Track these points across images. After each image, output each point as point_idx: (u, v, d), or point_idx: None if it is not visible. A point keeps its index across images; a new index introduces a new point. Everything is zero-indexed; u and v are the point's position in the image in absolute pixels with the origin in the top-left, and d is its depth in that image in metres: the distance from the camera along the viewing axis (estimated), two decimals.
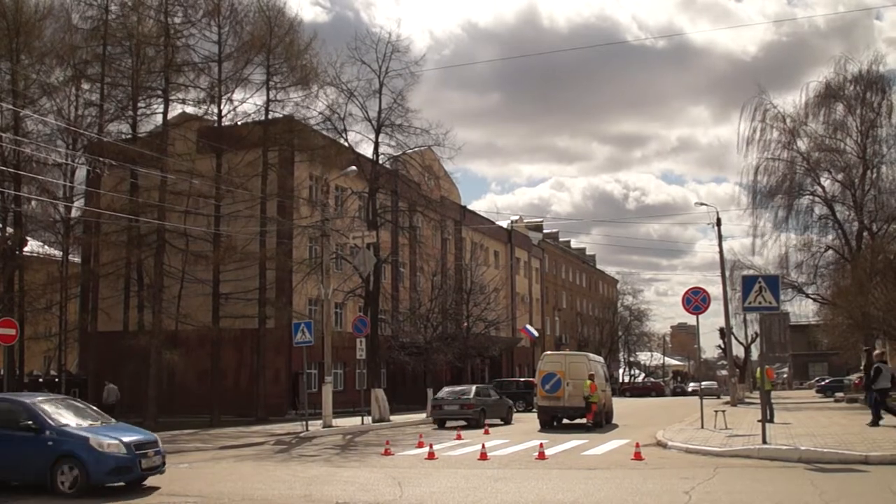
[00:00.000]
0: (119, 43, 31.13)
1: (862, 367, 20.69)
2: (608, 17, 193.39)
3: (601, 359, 30.76)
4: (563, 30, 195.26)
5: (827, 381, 57.59)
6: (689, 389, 61.97)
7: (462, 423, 26.36)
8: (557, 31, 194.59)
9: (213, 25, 31.45)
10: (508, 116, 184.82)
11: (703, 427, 21.01)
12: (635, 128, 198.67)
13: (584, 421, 23.95)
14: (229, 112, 32.57)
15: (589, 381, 23.78)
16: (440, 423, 27.14)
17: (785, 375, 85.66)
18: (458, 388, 28.80)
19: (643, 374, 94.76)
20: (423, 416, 32.27)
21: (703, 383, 55.06)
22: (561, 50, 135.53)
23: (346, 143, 32.58)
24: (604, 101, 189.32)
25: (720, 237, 42.47)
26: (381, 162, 32.66)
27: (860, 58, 42.76)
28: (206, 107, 32.37)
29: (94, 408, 14.35)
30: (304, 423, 24.86)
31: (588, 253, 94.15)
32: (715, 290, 66.25)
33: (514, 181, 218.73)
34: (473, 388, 28.47)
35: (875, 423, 19.27)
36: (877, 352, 21.65)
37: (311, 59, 32.82)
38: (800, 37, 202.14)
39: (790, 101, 68.52)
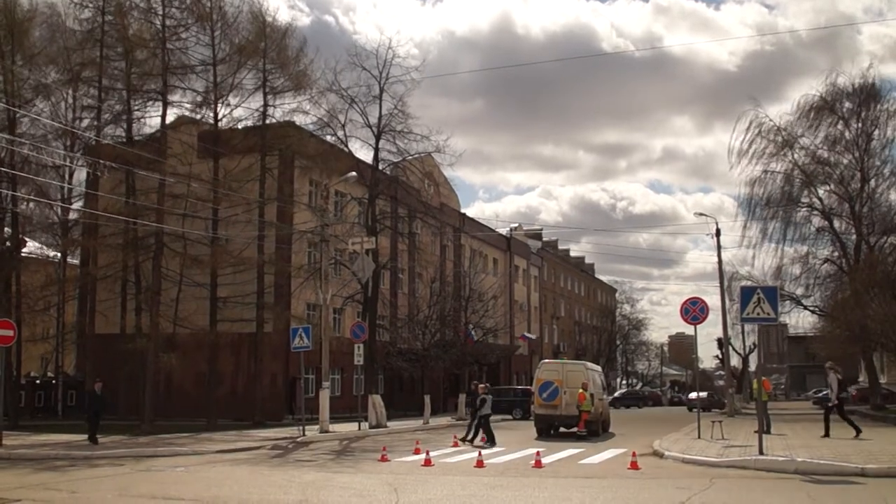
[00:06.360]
0: (114, 46, 31.18)
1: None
2: (585, 24, 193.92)
3: (599, 368, 30.75)
4: (541, 38, 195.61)
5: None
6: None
7: None
8: (536, 39, 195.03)
9: (206, 29, 31.49)
10: (493, 124, 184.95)
11: (699, 437, 21.01)
12: (619, 137, 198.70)
13: (577, 430, 23.90)
14: (225, 116, 32.60)
15: (580, 390, 23.75)
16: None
17: (782, 386, 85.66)
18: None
19: (640, 384, 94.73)
20: (419, 422, 32.23)
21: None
22: (544, 61, 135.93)
23: (345, 149, 32.59)
24: (587, 110, 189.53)
25: (719, 248, 42.38)
26: (380, 168, 32.67)
27: (851, 70, 43.00)
28: (202, 111, 32.42)
29: None
30: (300, 427, 24.79)
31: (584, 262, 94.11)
32: (710, 300, 65.98)
33: (502, 189, 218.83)
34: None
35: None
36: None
37: (305, 65, 32.87)
38: (782, 47, 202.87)
39: (775, 112, 68.52)
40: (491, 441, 21.59)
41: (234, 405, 33.35)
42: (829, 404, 21.68)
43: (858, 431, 20.29)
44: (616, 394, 62.50)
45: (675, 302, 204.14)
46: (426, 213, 37.85)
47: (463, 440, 21.80)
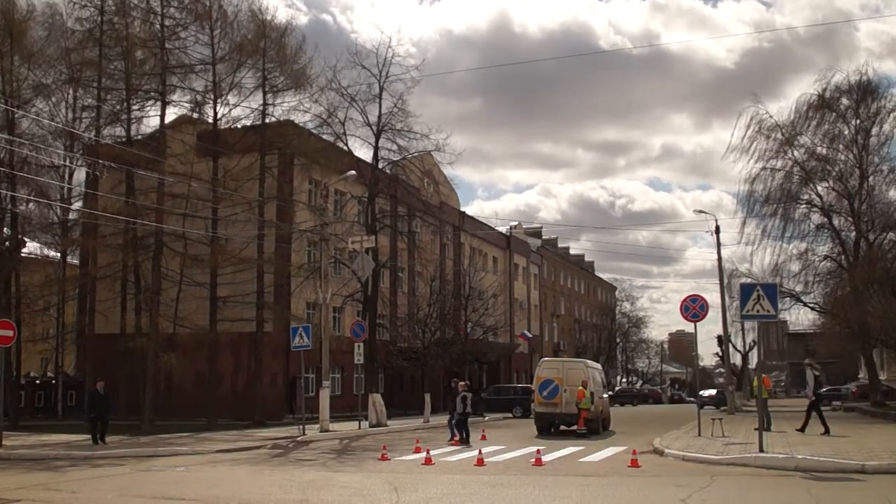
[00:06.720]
0: (113, 46, 31.16)
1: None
2: (583, 22, 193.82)
3: (599, 366, 30.78)
4: (539, 36, 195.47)
5: (824, 389, 57.45)
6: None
7: None
8: (534, 37, 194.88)
9: (205, 28, 31.46)
10: (491, 122, 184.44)
11: (699, 435, 21.01)
12: (618, 135, 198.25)
13: (577, 428, 23.89)
14: (224, 116, 32.57)
15: (579, 387, 23.75)
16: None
17: (782, 383, 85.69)
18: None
19: (640, 382, 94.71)
20: (420, 421, 32.24)
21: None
22: (542, 59, 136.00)
23: (345, 148, 32.58)
24: (585, 108, 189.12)
25: (719, 245, 42.27)
26: (380, 167, 32.66)
27: (848, 67, 43.00)
28: (202, 110, 32.36)
29: None
30: (301, 427, 24.80)
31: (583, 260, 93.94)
32: (710, 297, 65.86)
33: (501, 187, 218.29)
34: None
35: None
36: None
37: (304, 63, 32.83)
38: (780, 44, 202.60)
39: (774, 109, 68.18)
40: (455, 438, 21.77)
41: (234, 405, 33.34)
42: (811, 400, 21.90)
43: (803, 430, 20.76)
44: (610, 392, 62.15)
45: (674, 299, 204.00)
46: (426, 211, 37.83)
47: (462, 442, 21.80)
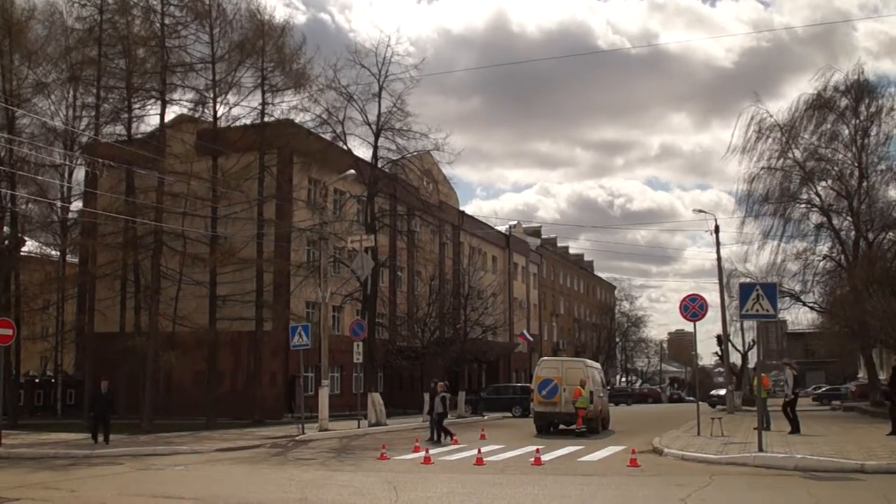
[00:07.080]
0: (114, 44, 31.15)
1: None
2: (581, 22, 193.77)
3: (598, 365, 30.77)
4: (537, 35, 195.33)
5: (823, 388, 57.55)
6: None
7: None
8: (532, 36, 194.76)
9: (205, 27, 31.43)
10: (490, 121, 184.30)
11: (699, 434, 21.03)
12: (616, 134, 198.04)
13: (576, 427, 23.91)
14: (223, 115, 32.55)
15: (576, 387, 23.77)
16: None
17: (781, 383, 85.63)
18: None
19: (639, 381, 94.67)
20: (419, 420, 32.23)
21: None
22: (540, 59, 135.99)
23: (344, 147, 32.58)
24: (584, 107, 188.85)
25: (718, 244, 42.24)
26: (379, 166, 32.66)
27: (846, 67, 42.95)
28: (201, 109, 32.36)
29: None
30: (300, 426, 24.82)
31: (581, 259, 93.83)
32: (709, 297, 65.61)
33: (500, 186, 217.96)
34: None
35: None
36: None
37: (304, 64, 32.81)
38: (778, 43, 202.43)
39: (774, 108, 68.06)
40: (434, 440, 21.94)
41: (233, 404, 33.32)
42: (786, 399, 22.10)
43: (797, 430, 20.92)
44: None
45: (673, 299, 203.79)
46: (425, 210, 37.81)
47: (433, 441, 21.84)
